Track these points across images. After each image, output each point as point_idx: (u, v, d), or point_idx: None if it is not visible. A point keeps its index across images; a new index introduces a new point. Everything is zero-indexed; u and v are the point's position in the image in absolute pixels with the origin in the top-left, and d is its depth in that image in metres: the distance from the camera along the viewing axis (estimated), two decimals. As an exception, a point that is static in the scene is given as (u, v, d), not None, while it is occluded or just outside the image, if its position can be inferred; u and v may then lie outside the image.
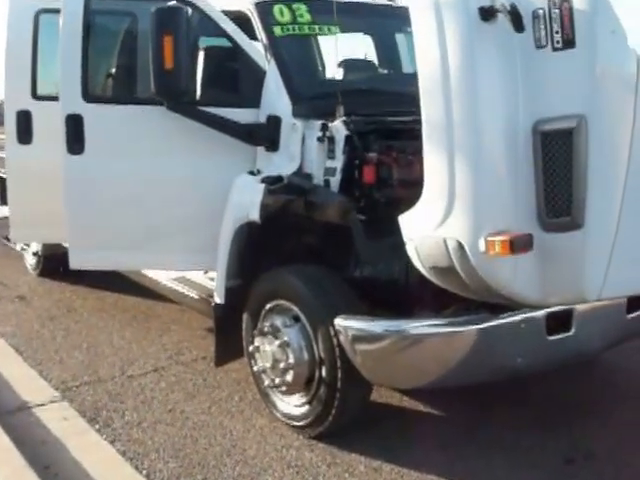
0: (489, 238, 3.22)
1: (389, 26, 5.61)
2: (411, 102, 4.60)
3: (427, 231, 3.44)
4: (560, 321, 3.92)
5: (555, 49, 3.12)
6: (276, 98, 4.49)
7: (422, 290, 4.03)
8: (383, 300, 4.15)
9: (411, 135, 4.26)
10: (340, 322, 3.85)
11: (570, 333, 3.97)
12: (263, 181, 4.30)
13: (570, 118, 3.12)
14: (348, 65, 5.39)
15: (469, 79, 3.22)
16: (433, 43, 3.26)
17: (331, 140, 4.21)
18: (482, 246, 3.25)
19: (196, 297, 5.22)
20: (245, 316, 4.52)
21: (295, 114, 4.39)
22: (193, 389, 4.87)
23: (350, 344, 3.81)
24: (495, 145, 3.22)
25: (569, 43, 3.09)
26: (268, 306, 4.35)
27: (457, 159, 3.26)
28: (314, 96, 4.54)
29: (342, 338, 3.84)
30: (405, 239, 3.60)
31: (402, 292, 4.06)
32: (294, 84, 4.52)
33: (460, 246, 3.32)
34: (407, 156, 4.08)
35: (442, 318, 3.78)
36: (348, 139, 4.15)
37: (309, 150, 4.32)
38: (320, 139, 4.23)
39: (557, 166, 3.15)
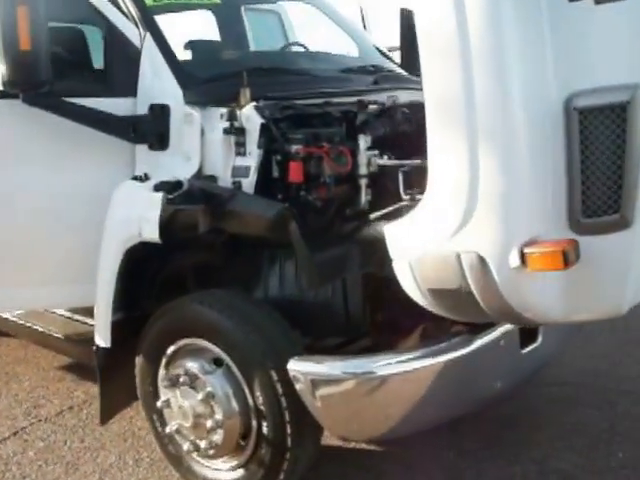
0: (527, 250, 2.29)
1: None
2: (317, 81, 3.68)
3: (431, 244, 2.46)
4: (528, 331, 3.14)
5: (598, 1, 2.22)
6: (158, 82, 3.27)
7: (381, 314, 3.12)
8: (322, 329, 3.15)
9: (331, 120, 3.29)
10: (295, 366, 2.78)
11: (538, 343, 3.21)
12: (157, 188, 3.09)
13: (621, 89, 2.22)
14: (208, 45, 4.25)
15: (496, 39, 2.25)
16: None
17: (241, 132, 3.09)
18: (515, 260, 2.31)
19: (59, 336, 3.87)
20: (140, 360, 3.30)
21: (188, 101, 3.20)
22: (71, 456, 3.56)
23: (310, 393, 2.75)
24: (528, 126, 2.27)
25: (620, -7, 2.20)
26: (173, 348, 3.17)
27: (481, 146, 2.28)
28: (210, 77, 3.35)
29: (299, 386, 2.77)
30: (393, 255, 2.60)
31: (352, 318, 3.09)
32: (182, 64, 3.33)
33: (481, 262, 2.36)
34: (338, 146, 3.07)
35: (420, 349, 2.83)
36: (264, 129, 3.06)
37: (211, 146, 3.16)
38: (227, 131, 3.09)
39: (601, 152, 2.24)
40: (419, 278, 2.52)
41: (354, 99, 3.48)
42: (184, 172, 3.15)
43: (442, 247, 2.42)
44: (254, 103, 3.11)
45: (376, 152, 3.10)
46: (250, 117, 3.07)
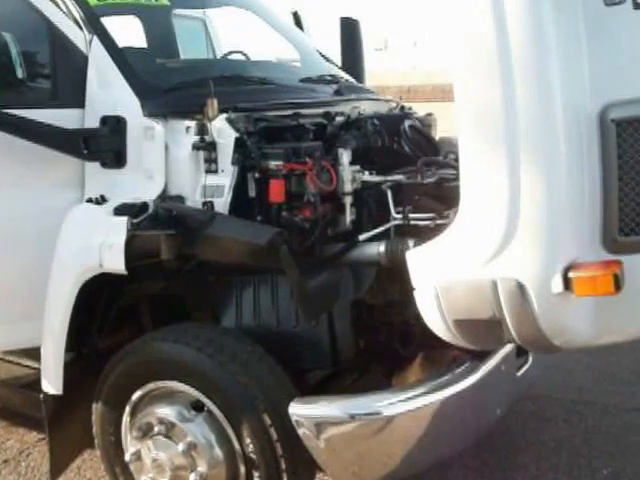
0: (572, 274, 2.03)
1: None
2: (282, 91, 3.32)
3: (463, 271, 2.15)
4: (521, 352, 2.90)
5: (638, 5, 1.99)
6: (110, 92, 2.82)
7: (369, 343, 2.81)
8: (305, 362, 2.80)
9: (306, 134, 2.95)
10: (298, 410, 2.41)
11: (529, 363, 2.98)
12: (119, 212, 2.65)
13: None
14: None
15: (538, 45, 1.98)
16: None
17: (212, 147, 2.69)
18: (558, 286, 2.04)
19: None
20: (99, 408, 2.83)
21: (148, 113, 2.76)
22: (17, 519, 3.03)
23: (315, 437, 2.39)
24: (569, 140, 2.01)
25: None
26: (139, 393, 2.73)
27: (524, 161, 2.00)
28: (169, 86, 2.91)
29: (303, 430, 2.40)
30: (415, 284, 2.27)
31: (341, 349, 2.75)
32: (137, 70, 2.88)
33: (520, 289, 2.08)
34: (320, 162, 2.73)
35: (425, 383, 2.51)
36: (239, 143, 2.67)
37: (176, 163, 2.74)
38: (196, 146, 2.69)
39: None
40: (445, 308, 2.21)
41: (321, 110, 3.16)
42: (146, 193, 2.72)
43: (476, 274, 2.12)
44: (225, 115, 2.72)
45: (358, 167, 2.79)
46: (222, 130, 2.68)
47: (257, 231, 2.51)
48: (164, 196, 2.73)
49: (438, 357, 2.69)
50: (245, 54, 3.90)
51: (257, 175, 2.67)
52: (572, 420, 3.72)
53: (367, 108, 3.46)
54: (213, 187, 2.70)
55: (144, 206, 2.64)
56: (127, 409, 2.76)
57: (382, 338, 2.85)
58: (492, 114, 2.03)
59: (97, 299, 2.91)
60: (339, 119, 3.16)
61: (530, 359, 2.99)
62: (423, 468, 2.65)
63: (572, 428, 3.65)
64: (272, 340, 2.74)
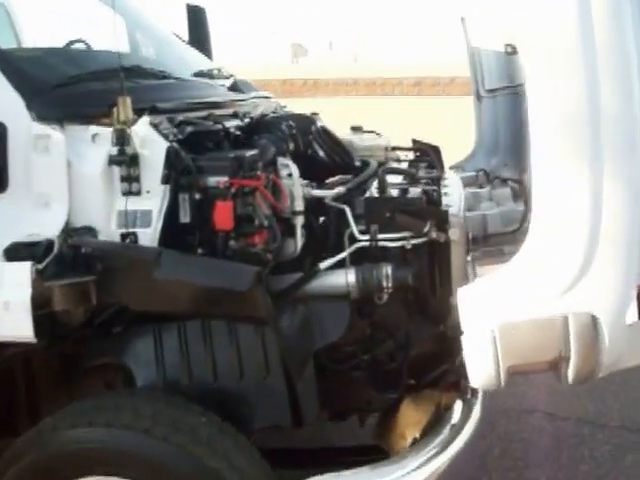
0: None
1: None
2: (185, 88, 2.62)
3: (530, 309, 1.69)
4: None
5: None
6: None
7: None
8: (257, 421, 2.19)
9: (227, 140, 2.34)
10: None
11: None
12: (13, 255, 1.84)
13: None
14: None
15: (623, 37, 1.59)
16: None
17: (134, 161, 1.96)
18: (633, 315, 1.69)
19: None
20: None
21: (37, 116, 1.95)
22: None
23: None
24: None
25: None
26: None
27: (607, 174, 1.60)
28: (62, 81, 2.09)
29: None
30: (466, 325, 1.76)
31: (303, 401, 2.18)
32: (14, 59, 2.04)
33: (594, 323, 1.68)
34: (269, 175, 2.14)
35: (434, 440, 2.05)
36: (171, 155, 1.98)
37: (81, 183, 1.97)
38: (115, 160, 1.95)
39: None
40: (502, 353, 1.74)
41: (230, 111, 2.55)
42: (41, 225, 1.93)
43: (547, 309, 1.68)
44: (146, 118, 2.00)
45: (306, 181, 2.25)
46: (147, 139, 1.98)
47: (229, 273, 1.84)
48: (67, 229, 1.95)
49: (425, 400, 2.23)
50: (87, 43, 3.10)
51: (197, 196, 2.00)
52: (482, 429, 3.46)
53: (267, 107, 2.89)
54: (136, 213, 1.98)
55: (50, 245, 1.85)
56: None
57: (345, 382, 2.31)
58: (566, 111, 1.61)
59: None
60: (247, 120, 2.57)
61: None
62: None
63: (486, 439, 3.38)
64: (210, 400, 2.09)
